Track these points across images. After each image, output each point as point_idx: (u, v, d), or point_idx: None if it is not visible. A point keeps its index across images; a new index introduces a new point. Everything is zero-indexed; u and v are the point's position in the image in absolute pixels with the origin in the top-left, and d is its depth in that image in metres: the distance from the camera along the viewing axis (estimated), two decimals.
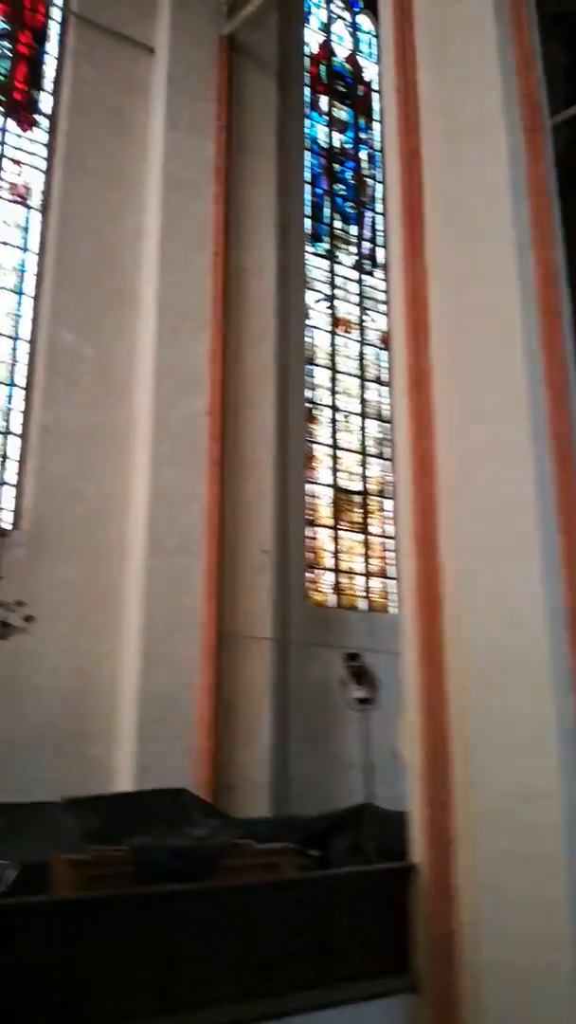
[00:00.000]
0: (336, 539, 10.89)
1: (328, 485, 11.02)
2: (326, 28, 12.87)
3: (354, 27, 13.32)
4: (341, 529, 10.98)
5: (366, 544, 11.16)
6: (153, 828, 5.32)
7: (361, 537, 11.15)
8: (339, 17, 13.16)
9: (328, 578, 10.67)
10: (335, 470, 11.13)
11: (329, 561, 10.75)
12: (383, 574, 11.16)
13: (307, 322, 11.23)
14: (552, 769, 4.93)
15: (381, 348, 11.99)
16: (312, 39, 12.55)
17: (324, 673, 9.34)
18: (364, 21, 13.40)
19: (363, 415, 11.65)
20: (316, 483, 10.88)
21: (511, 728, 5.12)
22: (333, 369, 11.51)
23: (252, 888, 4.89)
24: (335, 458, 11.18)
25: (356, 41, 13.27)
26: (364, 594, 10.93)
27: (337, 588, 10.70)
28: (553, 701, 5.00)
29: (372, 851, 5.80)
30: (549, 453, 5.50)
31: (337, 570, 10.77)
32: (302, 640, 9.71)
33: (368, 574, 11.05)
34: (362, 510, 11.25)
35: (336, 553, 10.83)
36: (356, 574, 10.96)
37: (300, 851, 5.49)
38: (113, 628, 8.47)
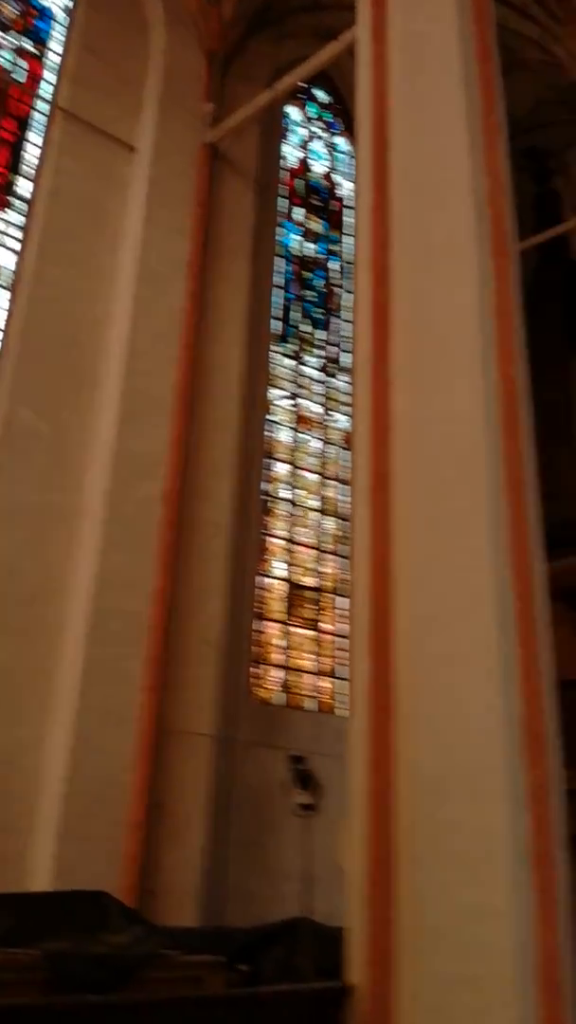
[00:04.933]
0: (287, 634, 10.75)
1: (281, 579, 10.95)
2: (304, 145, 13.59)
3: (332, 147, 14.09)
4: (292, 624, 10.86)
5: (317, 641, 11.04)
6: (70, 932, 4.98)
7: (312, 634, 11.03)
8: (318, 136, 13.92)
9: (276, 675, 10.47)
10: (290, 564, 11.10)
11: (278, 657, 10.58)
12: (332, 673, 11.00)
13: (269, 417, 11.40)
14: (503, 886, 4.77)
15: (343, 448, 12.20)
16: (291, 154, 13.23)
17: (265, 775, 9.04)
18: (341, 142, 14.20)
19: (322, 511, 11.74)
20: (269, 576, 10.81)
21: (461, 841, 4.96)
22: (293, 464, 11.64)
23: (175, 1003, 4.54)
24: (290, 552, 11.16)
25: (333, 159, 14.02)
26: (312, 694, 10.74)
27: (284, 686, 10.50)
28: (506, 815, 4.88)
29: (307, 969, 5.48)
30: (507, 560, 5.55)
31: (286, 667, 10.59)
32: (244, 738, 9.43)
33: (318, 672, 10.88)
34: (315, 606, 11.17)
35: (286, 649, 10.67)
36: (305, 672, 10.78)
37: (229, 965, 5.17)
38: (41, 715, 8.05)
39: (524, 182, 13.40)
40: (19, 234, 9.61)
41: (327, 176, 13.81)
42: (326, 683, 10.93)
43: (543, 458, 9.75)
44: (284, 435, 11.69)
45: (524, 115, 13.25)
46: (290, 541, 11.23)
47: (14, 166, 9.88)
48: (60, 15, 10.73)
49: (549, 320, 11.32)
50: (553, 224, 12.53)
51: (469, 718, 5.20)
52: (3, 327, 9.16)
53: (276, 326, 11.96)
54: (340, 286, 13.31)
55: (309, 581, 11.25)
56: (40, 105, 10.25)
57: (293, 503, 11.47)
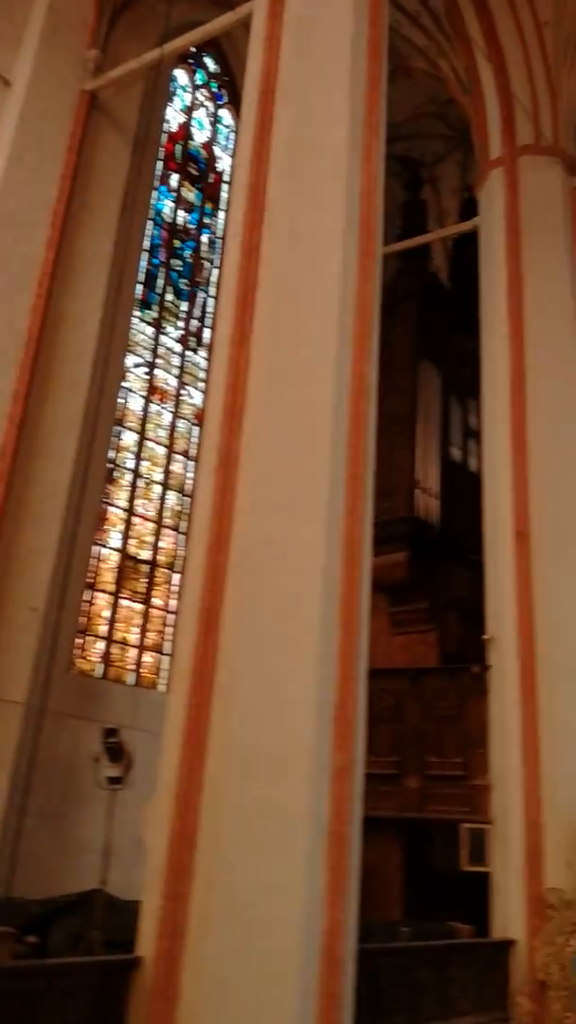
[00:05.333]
0: (115, 607, 10.56)
1: (116, 550, 10.75)
2: (188, 111, 13.31)
3: (215, 118, 13.89)
4: (123, 597, 10.68)
5: (145, 616, 10.92)
6: None
7: (142, 608, 10.90)
8: (202, 104, 13.68)
9: (99, 646, 10.27)
10: (127, 535, 10.91)
11: (104, 629, 10.38)
12: (158, 649, 10.93)
13: (123, 383, 11.13)
14: (297, 865, 4.92)
15: (195, 424, 12.10)
16: (173, 118, 12.92)
17: (78, 746, 8.85)
18: (225, 114, 14.03)
19: (165, 485, 11.60)
20: (104, 545, 10.57)
21: (263, 820, 5.06)
22: (142, 435, 11.43)
23: None
24: (129, 523, 10.97)
25: (215, 131, 13.82)
26: (135, 668, 10.62)
27: (107, 658, 10.32)
28: (310, 795, 5.03)
29: (97, 941, 5.45)
30: (339, 551, 5.72)
31: (110, 639, 10.41)
32: (59, 709, 9.17)
33: (143, 647, 10.77)
34: (148, 580, 11.04)
35: (112, 621, 10.49)
36: (130, 646, 10.65)
37: (16, 937, 5.04)
38: None
39: (394, 188, 13.78)
40: None
41: (207, 147, 13.60)
42: (150, 658, 10.85)
43: (382, 458, 10.15)
44: (136, 404, 11.45)
45: (402, 122, 13.62)
46: (130, 512, 11.03)
47: None
48: None
49: (402, 328, 11.72)
50: (417, 233, 12.96)
51: (286, 700, 5.32)
52: None
53: (139, 291, 11.67)
54: (210, 260, 13.17)
55: (145, 554, 11.11)
56: None
57: (137, 474, 11.27)
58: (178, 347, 12.29)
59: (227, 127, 14.00)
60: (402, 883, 8.94)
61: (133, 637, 10.70)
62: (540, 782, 7.69)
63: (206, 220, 13.31)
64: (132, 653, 10.64)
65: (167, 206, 12.59)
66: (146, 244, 11.90)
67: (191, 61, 13.48)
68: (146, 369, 11.71)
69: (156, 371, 11.85)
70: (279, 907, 4.86)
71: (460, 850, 8.27)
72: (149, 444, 11.52)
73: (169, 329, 12.22)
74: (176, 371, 12.19)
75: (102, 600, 10.44)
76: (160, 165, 12.43)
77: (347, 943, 5.05)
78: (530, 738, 7.86)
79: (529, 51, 10.43)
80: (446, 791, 8.71)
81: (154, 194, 12.18)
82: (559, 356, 9.38)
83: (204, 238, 13.20)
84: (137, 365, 11.55)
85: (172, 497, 11.66)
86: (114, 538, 10.74)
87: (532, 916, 7.35)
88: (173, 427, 11.93)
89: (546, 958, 7.00)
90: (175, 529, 11.53)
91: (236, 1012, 4.74)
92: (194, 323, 12.67)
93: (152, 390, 11.74)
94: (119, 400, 11.03)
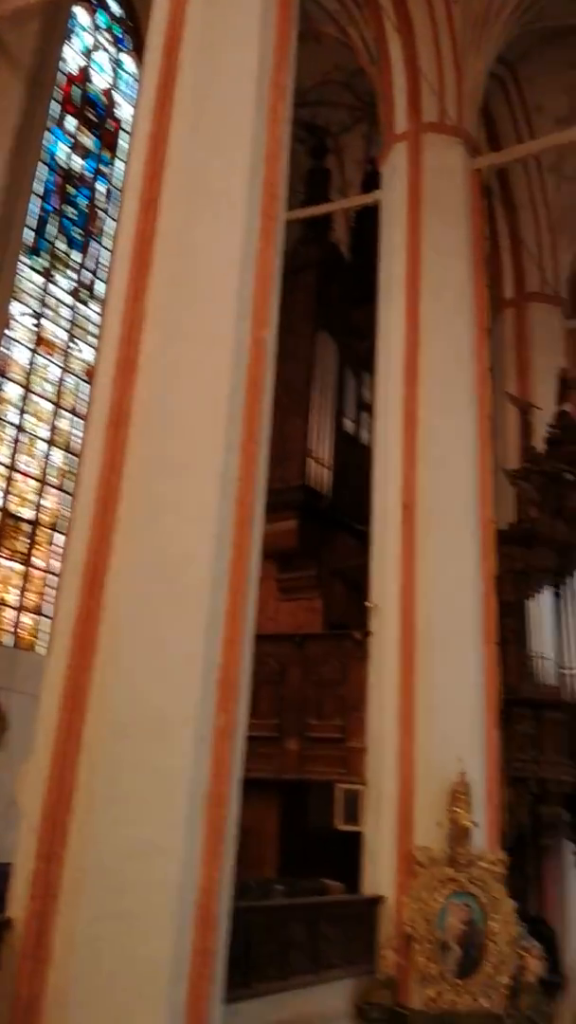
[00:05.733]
0: None
1: None
2: (88, 54, 12.73)
3: (116, 63, 13.34)
4: (1, 557, 10.30)
5: (26, 576, 10.58)
6: None
7: (22, 568, 10.55)
8: (104, 48, 13.10)
9: None
10: (7, 492, 10.50)
11: None
12: (38, 611, 10.63)
13: (7, 332, 10.63)
14: (175, 826, 4.92)
15: (84, 380, 11.72)
16: (72, 59, 12.32)
17: None
18: (127, 60, 13.49)
19: (51, 443, 11.21)
20: None
21: (142, 781, 5.03)
22: (27, 388, 10.98)
23: None
24: (9, 480, 10.56)
25: (116, 77, 13.29)
26: (12, 629, 10.29)
27: None
28: (190, 757, 5.03)
29: None
30: (231, 515, 5.69)
31: None
32: None
33: (21, 608, 10.44)
34: (29, 540, 10.69)
35: None
36: (8, 606, 10.30)
37: None
38: None
39: (299, 154, 13.66)
40: None
41: (107, 92, 13.06)
42: (29, 620, 10.55)
43: (276, 425, 10.14)
44: (21, 355, 10.98)
45: (309, 88, 13.49)
46: (11, 468, 10.62)
47: None
48: None
49: (301, 296, 11.68)
50: (320, 202, 12.91)
51: (170, 663, 5.28)
52: None
53: (28, 236, 11.14)
54: (105, 210, 12.72)
55: (27, 513, 10.74)
56: None
57: (20, 429, 10.84)
58: (69, 299, 11.85)
59: (129, 74, 13.48)
60: (278, 842, 9.12)
61: (12, 598, 10.36)
62: (414, 745, 7.97)
63: (103, 168, 12.82)
64: (10, 614, 10.31)
65: (62, 150, 12.04)
66: (38, 188, 11.36)
67: (93, 1, 12.87)
68: (34, 319, 11.24)
69: (44, 322, 11.39)
70: (155, 867, 4.86)
71: (335, 810, 8.49)
72: (34, 398, 11.10)
73: (60, 279, 11.76)
74: (66, 324, 11.76)
75: None
76: (56, 107, 11.86)
77: (222, 901, 5.11)
78: (406, 702, 8.12)
79: (438, 27, 10.47)
80: (324, 753, 8.92)
81: (48, 136, 11.62)
82: (451, 335, 9.58)
83: (100, 187, 12.73)
84: (24, 314, 11.07)
85: (57, 455, 11.30)
86: None
87: (401, 873, 7.64)
88: (61, 382, 11.53)
89: (413, 913, 7.30)
90: (60, 488, 11.19)
91: (108, 970, 4.73)
92: (87, 275, 12.23)
93: (39, 341, 11.29)
94: (2, 349, 10.55)
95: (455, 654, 8.29)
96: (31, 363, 11.10)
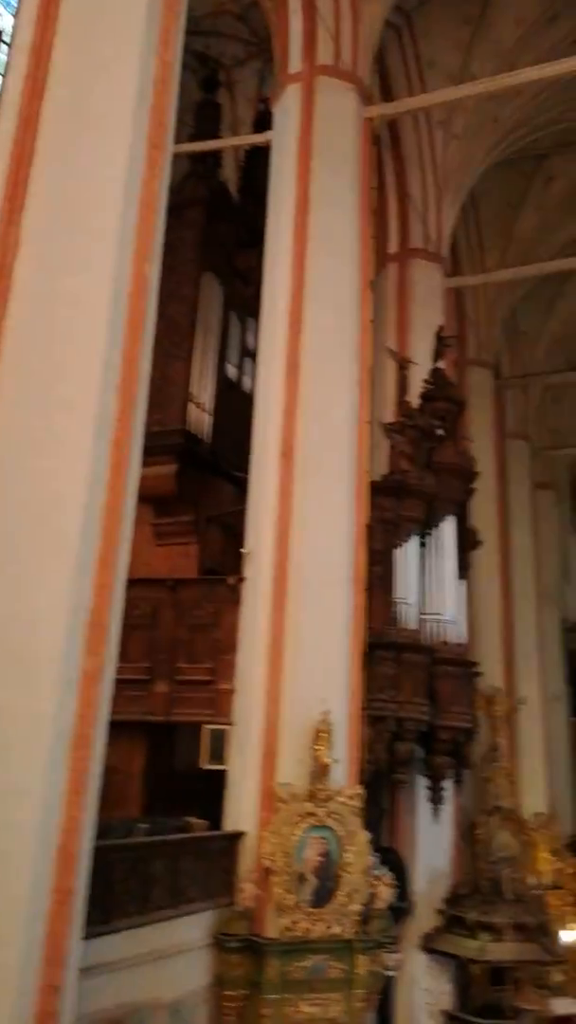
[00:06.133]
0: None
1: None
2: None
3: None
4: None
5: None
6: None
7: None
8: None
9: None
10: None
11: None
12: None
13: None
14: (38, 769, 4.88)
15: None
16: None
17: None
18: None
19: None
20: None
21: (5, 725, 4.93)
22: None
23: None
24: None
25: None
26: None
27: None
28: (55, 699, 4.99)
29: None
30: (107, 456, 5.57)
31: None
32: None
33: None
34: None
35: None
36: None
37: None
38: None
39: (190, 85, 13.18)
40: None
41: None
42: None
43: (158, 367, 9.94)
44: None
45: (203, 16, 13.01)
46: None
47: None
48: None
49: (187, 234, 11.39)
50: (209, 137, 12.55)
51: (38, 605, 5.17)
52: None
53: None
54: None
55: None
56: None
57: None
58: None
59: None
60: (144, 783, 9.21)
61: None
62: (281, 686, 8.18)
63: None
64: None
65: None
66: None
67: None
68: None
69: None
70: (17, 809, 4.82)
71: (201, 750, 8.64)
72: None
73: None
74: None
75: None
76: None
77: (83, 841, 5.14)
78: (276, 645, 8.30)
79: None
80: (194, 695, 9.01)
81: None
82: (336, 285, 9.60)
83: None
84: None
85: None
86: None
87: (263, 810, 7.89)
88: None
89: (272, 847, 7.57)
90: None
91: None
92: None
93: None
94: None
95: (325, 599, 8.52)
96: None
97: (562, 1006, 13.68)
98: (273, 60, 11.05)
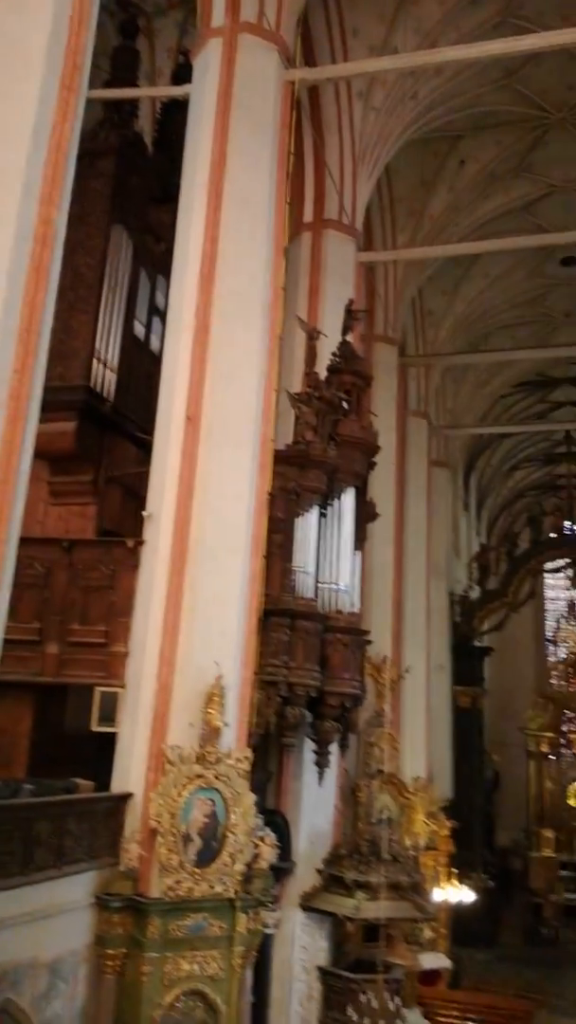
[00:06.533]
0: None
1: None
2: None
3: None
4: None
5: None
6: None
7: None
8: None
9: None
10: None
11: None
12: None
13: None
14: None
15: None
16: None
17: None
18: None
19: None
20: None
21: None
22: None
23: None
24: None
25: None
26: None
27: None
28: None
29: None
30: (2, 408, 5.40)
31: None
32: None
33: None
34: None
35: None
36: None
37: None
38: None
39: (107, 27, 12.68)
40: None
41: None
42: None
43: (61, 319, 9.63)
44: None
45: None
46: None
47: None
48: None
49: (98, 184, 11.00)
50: (126, 85, 12.13)
51: None
52: None
53: None
54: None
55: None
56: None
57: None
58: None
59: None
60: (31, 744, 9.06)
61: None
62: (176, 649, 8.17)
63: None
64: None
65: None
66: None
67: None
68: None
69: None
70: None
71: (92, 712, 8.56)
72: None
73: None
74: None
75: None
76: None
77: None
78: (172, 609, 8.27)
79: None
80: (86, 657, 8.89)
81: None
82: (250, 250, 9.50)
83: None
84: None
85: None
86: None
87: (152, 771, 7.90)
88: None
89: (159, 808, 7.60)
90: None
91: None
92: None
93: None
94: None
95: (223, 565, 8.52)
96: None
97: (429, 960, 14.47)
98: (196, 12, 10.74)
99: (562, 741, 24.79)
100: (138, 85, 12.70)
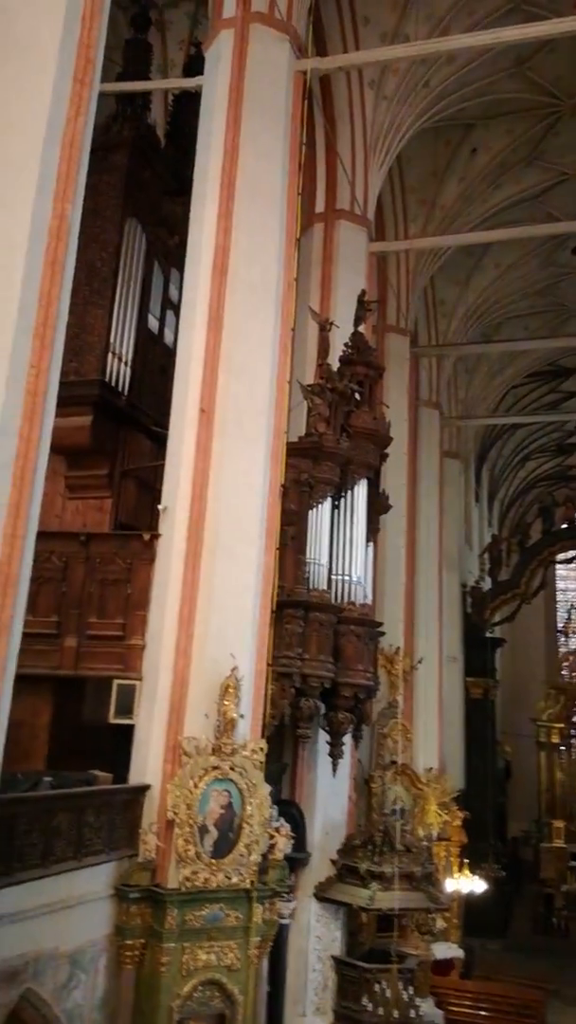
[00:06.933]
0: None
1: None
2: None
3: None
4: None
5: None
6: None
7: None
8: None
9: None
10: None
11: None
12: None
13: None
14: None
15: None
16: None
17: None
18: None
19: None
20: None
21: None
22: None
23: None
24: None
25: None
26: None
27: None
28: None
29: None
30: (20, 404, 5.44)
31: None
32: None
33: None
34: None
35: None
36: None
37: None
38: None
39: (119, 20, 12.64)
40: None
41: None
42: None
43: (76, 313, 9.64)
44: None
45: None
46: None
47: None
48: None
49: (112, 177, 11.00)
50: (138, 78, 12.09)
51: None
52: None
53: None
54: None
55: None
56: None
57: None
58: None
59: None
60: (50, 736, 9.12)
61: None
62: (191, 642, 8.21)
63: None
64: None
65: None
66: None
67: None
68: None
69: None
70: None
71: (110, 704, 8.62)
72: None
73: None
74: None
75: None
76: None
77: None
78: (188, 601, 8.31)
79: None
80: (103, 650, 8.93)
81: None
82: (263, 240, 9.48)
83: None
84: None
85: None
86: None
87: (169, 763, 7.96)
88: None
89: (176, 799, 7.65)
90: None
91: None
92: None
93: None
94: None
95: (238, 557, 8.55)
96: None
97: (442, 950, 14.54)
98: (207, 3, 10.69)
99: (573, 732, 24.79)
100: (150, 78, 12.66)
